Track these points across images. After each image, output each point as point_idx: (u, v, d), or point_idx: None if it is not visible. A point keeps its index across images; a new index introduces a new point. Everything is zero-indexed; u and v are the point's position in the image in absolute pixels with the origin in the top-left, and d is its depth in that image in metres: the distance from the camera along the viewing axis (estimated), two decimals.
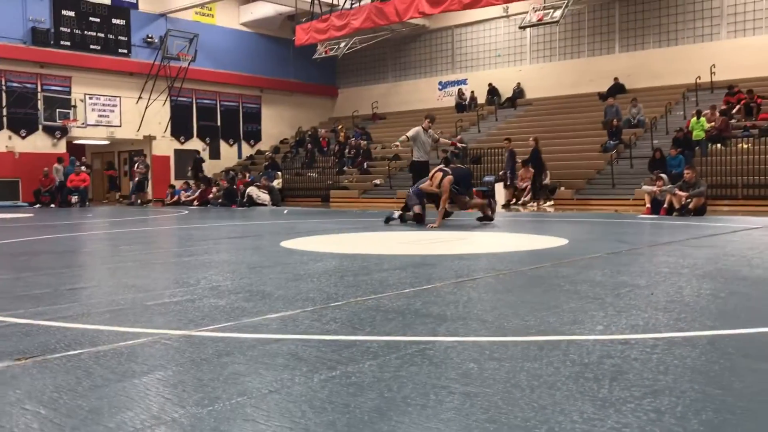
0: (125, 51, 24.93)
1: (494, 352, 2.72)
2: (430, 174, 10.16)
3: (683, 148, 16.52)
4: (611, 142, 19.10)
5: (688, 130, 17.30)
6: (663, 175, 14.22)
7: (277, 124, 30.05)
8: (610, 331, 3.07)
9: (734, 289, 4.23)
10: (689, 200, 12.75)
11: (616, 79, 22.88)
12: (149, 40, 25.53)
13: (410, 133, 12.12)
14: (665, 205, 13.19)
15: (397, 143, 13.50)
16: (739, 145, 16.42)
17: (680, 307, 3.63)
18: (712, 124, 17.49)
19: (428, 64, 29.01)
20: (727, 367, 2.48)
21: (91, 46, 23.97)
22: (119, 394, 2.23)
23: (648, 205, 13.71)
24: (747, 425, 1.89)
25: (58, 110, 23.32)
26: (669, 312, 3.49)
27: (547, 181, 17.75)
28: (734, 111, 18.68)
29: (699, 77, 20.80)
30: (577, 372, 2.43)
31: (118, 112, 25.04)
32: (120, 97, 25.01)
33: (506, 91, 25.85)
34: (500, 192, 17.99)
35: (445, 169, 10.10)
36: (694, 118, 17.47)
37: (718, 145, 16.79)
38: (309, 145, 26.47)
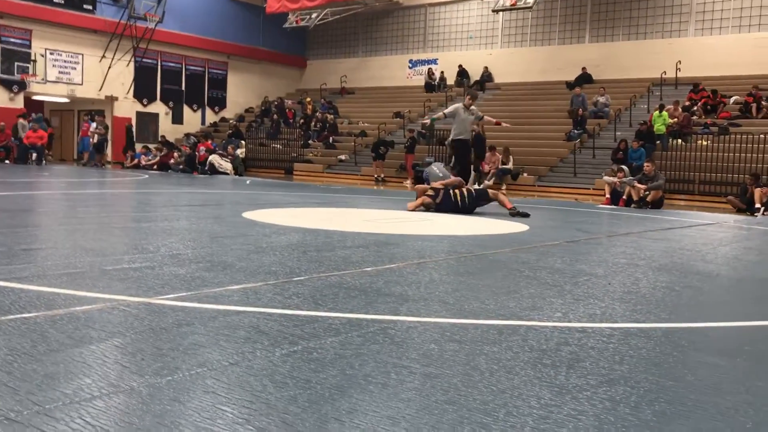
0: (90, 7, 24.20)
1: (455, 334, 2.75)
2: (424, 190, 9.50)
3: (645, 141, 16.78)
4: (575, 131, 19.31)
5: (650, 124, 17.58)
6: (624, 167, 14.47)
7: (242, 92, 29.62)
8: (568, 319, 3.13)
9: (688, 283, 4.33)
10: (647, 193, 13.01)
11: (584, 68, 23.08)
12: None
13: (448, 110, 11.79)
14: (624, 197, 13.43)
15: (426, 120, 12.84)
16: (699, 142, 16.76)
17: (636, 298, 3.71)
18: (675, 119, 17.80)
19: (399, 41, 28.85)
20: (680, 360, 2.55)
21: (54, 0, 23.22)
22: (76, 360, 2.19)
23: (608, 196, 13.95)
24: (697, 416, 1.95)
25: (16, 63, 22.58)
26: (626, 302, 3.57)
27: (510, 166, 17.90)
28: (695, 108, 19.03)
29: (665, 72, 21.11)
30: (536, 358, 2.47)
31: (80, 69, 24.37)
32: (82, 54, 24.32)
33: (476, 74, 25.87)
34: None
35: (439, 192, 9.21)
36: (657, 112, 17.76)
37: (679, 141, 17.12)
38: (275, 116, 26.17)
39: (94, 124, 22.94)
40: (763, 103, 18.34)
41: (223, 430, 1.69)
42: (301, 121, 25.48)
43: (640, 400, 2.07)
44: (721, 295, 4.15)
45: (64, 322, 2.63)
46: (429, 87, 26.25)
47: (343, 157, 22.15)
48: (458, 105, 11.78)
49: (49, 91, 23.89)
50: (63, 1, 23.40)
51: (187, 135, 24.66)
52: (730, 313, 3.64)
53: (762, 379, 2.36)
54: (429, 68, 27.17)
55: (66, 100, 25.22)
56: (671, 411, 1.99)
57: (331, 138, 23.57)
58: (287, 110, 26.86)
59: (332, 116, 24.94)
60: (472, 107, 11.77)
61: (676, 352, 2.65)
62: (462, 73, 26.02)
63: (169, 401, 1.87)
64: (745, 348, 2.79)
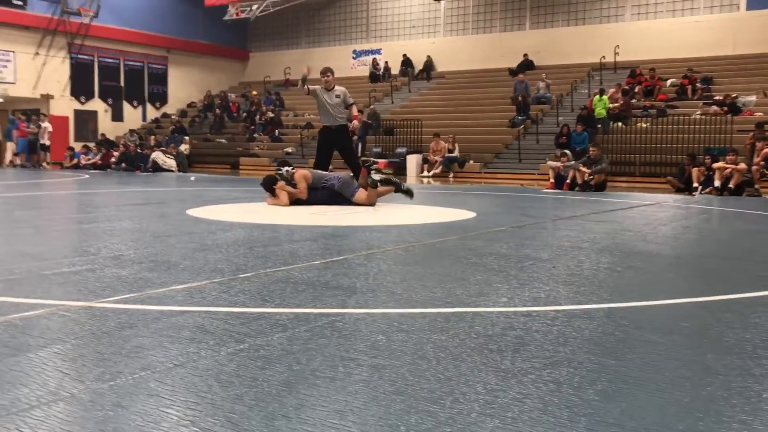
0: (20, 2, 23.36)
1: (402, 324, 2.76)
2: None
3: (586, 125, 17.11)
4: (519, 117, 19.57)
5: (591, 108, 17.93)
6: (567, 152, 14.73)
7: (184, 86, 29.05)
8: (513, 304, 3.17)
9: (629, 264, 4.44)
10: (592, 177, 13.27)
11: (525, 55, 23.36)
12: None
13: (312, 87, 9.36)
14: (568, 180, 13.68)
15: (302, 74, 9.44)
16: (639, 124, 17.17)
17: (580, 280, 3.79)
18: (616, 104, 18.19)
19: (343, 32, 28.70)
20: (622, 339, 2.61)
21: None
22: (13, 369, 2.12)
23: (552, 180, 14.18)
24: (638, 394, 2.00)
25: None
26: (569, 285, 3.64)
27: (456, 153, 18.04)
28: (636, 90, 19.49)
29: (604, 57, 21.54)
30: (482, 344, 2.50)
31: (12, 68, 23.52)
32: (14, 51, 23.49)
33: (420, 63, 25.94)
34: (412, 163, 18.18)
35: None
36: (597, 96, 18.12)
37: (619, 123, 17.51)
38: (218, 110, 25.77)
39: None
40: (698, 84, 18.90)
41: None
42: (244, 114, 25.13)
43: (582, 380, 2.11)
44: (660, 273, 4.27)
45: (0, 331, 2.55)
46: (374, 77, 26.22)
47: (289, 149, 21.96)
48: (317, 86, 9.32)
49: None
50: None
51: (131, 131, 24.07)
52: (669, 290, 3.74)
53: (698, 353, 2.44)
54: (373, 58, 27.13)
55: None
56: (613, 390, 2.04)
57: (276, 131, 23.35)
58: (231, 104, 26.47)
59: (277, 109, 24.65)
60: (337, 88, 9.18)
61: (618, 332, 2.72)
62: (406, 63, 26.07)
63: (111, 406, 1.83)
64: (682, 324, 2.88)
